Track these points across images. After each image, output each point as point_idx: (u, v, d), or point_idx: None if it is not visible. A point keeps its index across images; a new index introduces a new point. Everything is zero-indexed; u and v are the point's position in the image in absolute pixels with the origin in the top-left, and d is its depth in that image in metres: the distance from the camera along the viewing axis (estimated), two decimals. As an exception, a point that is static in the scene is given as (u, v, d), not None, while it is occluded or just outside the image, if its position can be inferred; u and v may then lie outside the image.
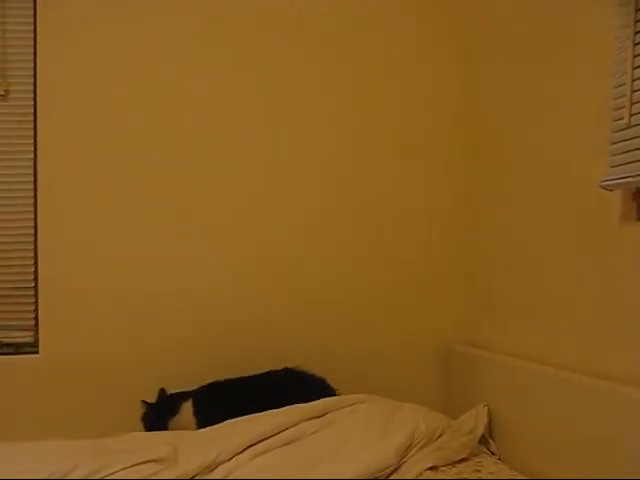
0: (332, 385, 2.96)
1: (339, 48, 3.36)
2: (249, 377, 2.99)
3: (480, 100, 3.22)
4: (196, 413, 2.89)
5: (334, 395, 2.90)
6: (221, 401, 2.93)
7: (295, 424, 2.58)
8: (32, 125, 3.16)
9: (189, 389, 2.97)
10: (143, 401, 2.94)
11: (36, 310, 3.13)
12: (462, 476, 2.32)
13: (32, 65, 3.16)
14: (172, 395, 2.97)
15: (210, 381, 2.97)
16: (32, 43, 3.16)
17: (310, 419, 2.63)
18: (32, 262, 3.14)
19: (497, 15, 3.04)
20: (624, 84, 2.06)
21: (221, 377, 2.98)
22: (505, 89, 2.95)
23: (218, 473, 2.34)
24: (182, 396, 2.95)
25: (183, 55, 3.25)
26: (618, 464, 1.95)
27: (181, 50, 3.25)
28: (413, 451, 2.44)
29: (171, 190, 3.21)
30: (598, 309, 2.26)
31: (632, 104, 2.03)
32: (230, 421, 2.73)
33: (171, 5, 3.25)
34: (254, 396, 2.91)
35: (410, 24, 3.42)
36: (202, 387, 2.97)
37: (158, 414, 2.92)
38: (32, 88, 3.16)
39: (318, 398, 2.78)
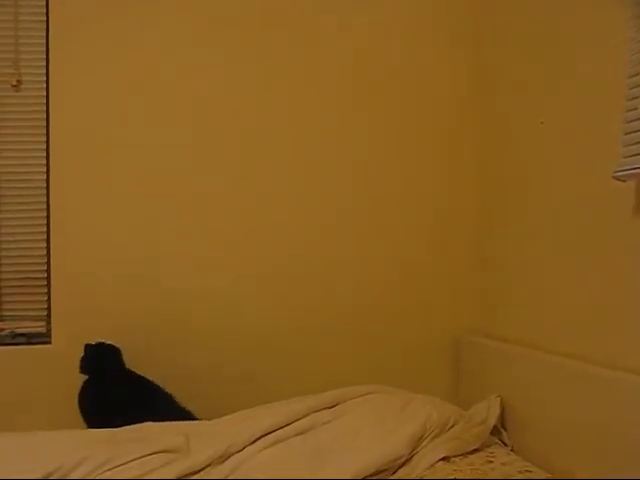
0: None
1: (342, 45, 3.34)
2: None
3: (491, 92, 3.21)
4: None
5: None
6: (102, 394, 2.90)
7: (307, 414, 2.58)
8: (44, 115, 3.16)
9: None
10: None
11: (48, 300, 3.15)
12: (474, 467, 2.32)
13: (44, 55, 3.16)
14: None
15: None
16: (44, 33, 3.16)
17: (322, 409, 2.63)
18: (44, 253, 3.15)
19: (509, 7, 3.03)
20: (638, 74, 2.04)
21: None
22: (517, 80, 2.94)
23: (229, 464, 2.35)
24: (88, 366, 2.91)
25: (197, 48, 3.25)
26: (632, 457, 1.94)
27: (195, 44, 3.25)
28: (425, 442, 2.44)
29: (183, 184, 3.21)
30: (612, 300, 2.25)
31: (646, 94, 2.02)
32: (242, 411, 2.74)
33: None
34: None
35: (416, 23, 3.40)
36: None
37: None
38: (44, 78, 3.16)
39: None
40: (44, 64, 3.17)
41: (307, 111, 3.32)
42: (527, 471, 2.29)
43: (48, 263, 3.15)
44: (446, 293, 3.34)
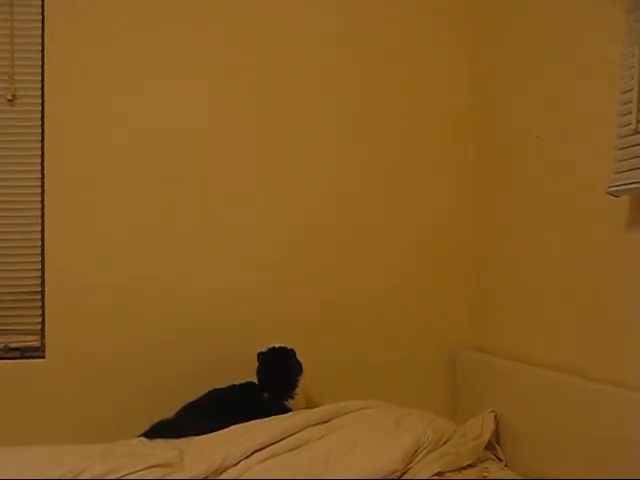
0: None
1: (345, 48, 3.37)
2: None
3: (488, 107, 3.22)
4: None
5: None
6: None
7: (302, 429, 2.57)
8: (39, 130, 3.16)
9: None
10: None
11: (42, 315, 3.13)
12: (468, 482, 2.33)
13: (40, 70, 3.17)
14: None
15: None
16: (40, 48, 3.16)
17: (317, 424, 2.62)
18: (39, 267, 3.14)
19: (508, 24, 3.05)
20: (631, 90, 2.04)
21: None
22: (513, 96, 2.95)
23: (225, 477, 2.34)
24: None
25: (194, 60, 3.26)
26: (628, 471, 1.94)
27: (191, 55, 3.25)
28: (420, 456, 2.44)
29: (178, 196, 3.21)
30: (606, 315, 2.25)
31: (639, 110, 2.02)
32: (235, 426, 2.73)
33: (182, 10, 3.25)
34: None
35: (417, 37, 3.43)
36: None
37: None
38: (39, 93, 3.16)
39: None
40: (39, 78, 3.17)
41: (312, 114, 3.35)
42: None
43: (42, 277, 3.14)
44: (441, 308, 3.34)
